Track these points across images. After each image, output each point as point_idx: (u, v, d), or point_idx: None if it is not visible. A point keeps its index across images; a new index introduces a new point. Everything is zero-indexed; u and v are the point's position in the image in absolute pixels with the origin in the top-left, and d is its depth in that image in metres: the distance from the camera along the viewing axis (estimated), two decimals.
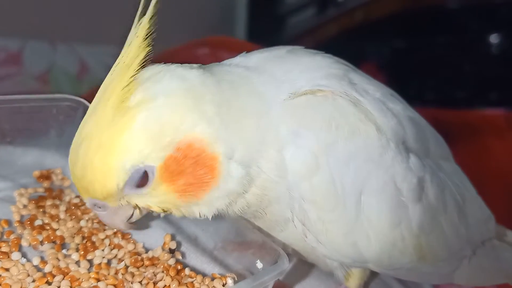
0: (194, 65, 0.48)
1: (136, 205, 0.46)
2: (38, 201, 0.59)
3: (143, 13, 0.44)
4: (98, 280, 0.48)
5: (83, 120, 0.45)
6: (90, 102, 0.61)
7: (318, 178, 0.47)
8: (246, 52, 0.54)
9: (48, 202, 0.59)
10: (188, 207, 0.46)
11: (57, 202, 0.59)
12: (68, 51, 1.63)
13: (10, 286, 0.46)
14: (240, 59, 0.52)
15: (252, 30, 2.04)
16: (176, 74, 0.45)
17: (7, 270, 0.48)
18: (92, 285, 0.48)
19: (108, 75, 0.45)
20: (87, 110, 0.61)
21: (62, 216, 0.57)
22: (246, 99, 0.47)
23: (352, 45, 1.73)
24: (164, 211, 0.47)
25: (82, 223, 0.56)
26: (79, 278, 0.48)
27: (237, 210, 0.48)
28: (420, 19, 1.69)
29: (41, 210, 0.57)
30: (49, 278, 0.48)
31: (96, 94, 0.45)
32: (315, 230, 0.49)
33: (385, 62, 1.74)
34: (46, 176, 0.63)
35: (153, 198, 0.45)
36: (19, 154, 0.65)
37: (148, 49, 0.43)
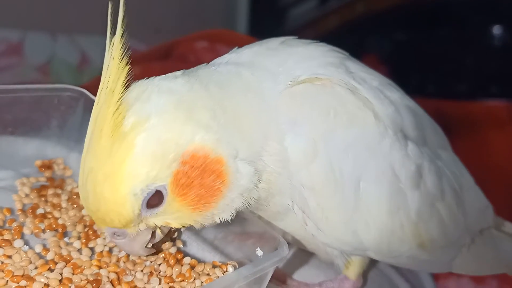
0: (178, 73, 0.47)
1: (155, 225, 0.46)
2: (40, 190, 0.59)
3: (113, 33, 0.43)
4: (100, 267, 0.49)
5: (82, 154, 0.44)
6: (91, 92, 0.62)
7: (317, 165, 0.47)
8: (238, 48, 0.53)
9: (50, 191, 0.59)
10: (205, 218, 0.46)
11: (59, 191, 0.59)
12: (68, 42, 1.62)
13: (13, 272, 0.46)
14: (232, 56, 0.52)
15: (253, 22, 2.04)
16: (162, 88, 0.44)
17: (9, 257, 0.48)
18: (94, 273, 0.48)
19: (94, 104, 0.43)
20: (88, 100, 0.62)
21: (64, 205, 0.57)
22: (239, 97, 0.47)
23: (353, 38, 1.72)
24: (184, 226, 0.47)
25: (84, 212, 0.57)
26: (81, 266, 0.49)
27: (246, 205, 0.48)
28: (421, 12, 1.69)
29: (43, 199, 0.58)
30: (51, 265, 0.48)
31: (88, 126, 0.44)
32: (315, 218, 0.49)
33: (386, 54, 1.73)
34: (47, 166, 0.63)
35: (170, 215, 0.45)
36: (21, 144, 0.65)
37: (127, 68, 0.42)
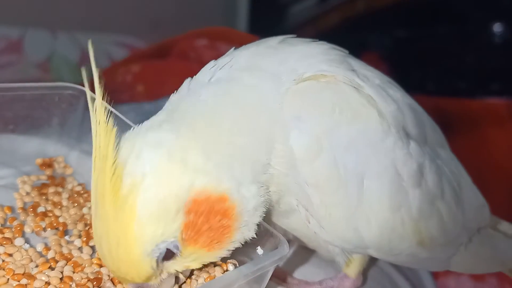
0: (161, 116, 0.46)
1: (177, 271, 0.46)
2: (41, 188, 0.59)
3: (93, 99, 0.42)
4: (100, 266, 0.49)
5: (92, 218, 0.44)
6: (91, 90, 0.62)
7: (321, 161, 0.47)
8: (234, 49, 0.53)
9: (51, 190, 0.59)
10: (223, 252, 0.46)
11: (60, 189, 0.60)
12: (68, 39, 1.62)
13: (14, 271, 0.46)
14: (225, 61, 0.51)
15: (254, 19, 2.03)
16: (150, 142, 0.43)
17: (10, 255, 0.49)
18: (94, 271, 0.48)
19: (92, 171, 0.43)
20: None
21: (64, 203, 0.58)
22: (231, 122, 0.46)
23: (354, 35, 1.72)
24: (206, 264, 0.47)
25: (85, 210, 0.57)
26: (82, 264, 0.49)
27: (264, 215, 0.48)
28: (422, 9, 1.68)
29: (44, 197, 0.58)
30: (52, 263, 0.48)
31: (91, 193, 0.44)
32: (318, 215, 0.49)
33: (387, 52, 1.73)
34: (48, 164, 0.63)
35: (188, 259, 0.45)
36: (22, 142, 0.65)
37: (114, 130, 0.42)
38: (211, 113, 0.46)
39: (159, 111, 0.48)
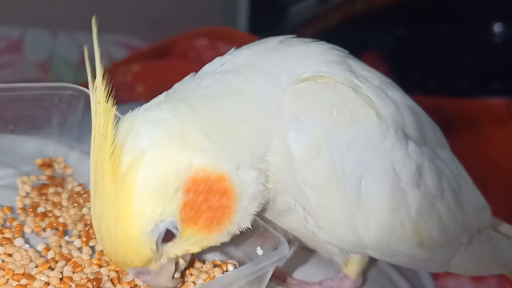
0: (161, 97, 0.46)
1: (176, 255, 0.46)
2: (40, 188, 0.59)
3: (94, 77, 0.42)
4: (100, 266, 0.49)
5: (91, 200, 0.44)
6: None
7: (319, 162, 0.47)
8: (235, 49, 0.53)
9: (51, 190, 0.59)
10: (223, 236, 0.46)
11: (60, 189, 0.60)
12: (68, 39, 1.62)
13: (13, 271, 0.46)
14: (226, 59, 0.51)
15: (254, 19, 2.03)
16: (149, 120, 0.43)
17: (10, 255, 0.48)
18: (94, 271, 0.48)
19: (91, 151, 0.43)
20: (89, 99, 0.62)
21: (64, 203, 0.58)
22: (230, 107, 0.46)
23: (354, 35, 1.72)
24: (205, 248, 0.46)
25: (85, 210, 0.57)
26: (82, 264, 0.49)
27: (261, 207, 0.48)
28: (422, 8, 1.68)
29: (44, 197, 0.58)
30: (51, 264, 0.48)
31: (91, 174, 0.44)
32: (316, 215, 0.49)
33: (387, 51, 1.73)
34: (48, 164, 0.63)
35: (187, 242, 0.45)
36: (22, 142, 0.65)
37: (114, 109, 0.42)
38: (211, 97, 0.46)
39: (159, 95, 0.48)
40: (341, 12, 1.82)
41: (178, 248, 0.45)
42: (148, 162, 0.41)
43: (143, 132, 0.42)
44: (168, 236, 0.43)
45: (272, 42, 0.53)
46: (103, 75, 0.42)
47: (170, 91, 0.48)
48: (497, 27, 1.61)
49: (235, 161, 0.44)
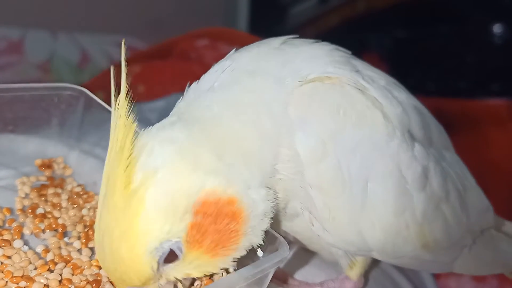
0: (172, 118, 0.46)
1: (176, 278, 0.45)
2: (40, 189, 0.59)
3: (118, 92, 0.43)
4: (99, 268, 0.48)
5: (97, 211, 0.44)
6: (91, 91, 0.61)
7: (325, 164, 0.47)
8: (235, 51, 0.52)
9: (50, 191, 0.59)
10: (227, 260, 0.45)
11: (59, 190, 0.59)
12: (69, 40, 1.62)
13: (12, 273, 0.46)
14: (226, 64, 0.50)
15: (254, 20, 2.03)
16: (163, 139, 0.43)
17: (9, 257, 0.48)
18: (93, 273, 0.48)
19: (106, 161, 0.43)
20: (88, 99, 0.62)
21: (64, 204, 0.57)
22: (238, 125, 0.46)
23: (354, 35, 1.72)
24: (207, 274, 0.45)
25: (84, 211, 0.57)
26: (81, 266, 0.49)
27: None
28: (422, 9, 1.68)
29: (43, 198, 0.58)
30: (51, 265, 0.48)
31: (102, 182, 0.44)
32: (322, 218, 0.49)
33: (387, 52, 1.73)
34: (47, 165, 0.63)
35: (189, 265, 0.44)
36: (21, 142, 0.65)
37: (134, 125, 0.42)
38: (217, 119, 0.46)
39: (169, 116, 0.48)
40: (341, 13, 1.82)
41: (179, 271, 0.44)
42: (160, 180, 0.41)
43: (157, 150, 0.42)
44: (171, 257, 0.43)
45: (274, 42, 0.53)
46: (127, 93, 0.42)
47: (178, 111, 0.48)
48: (497, 28, 1.61)
49: (246, 182, 0.44)
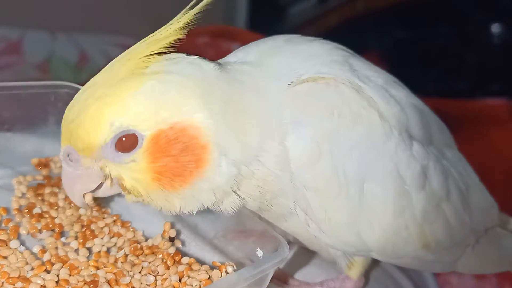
0: (212, 61, 0.48)
1: (109, 175, 0.45)
2: (36, 189, 0.58)
3: (192, 7, 0.45)
4: (97, 268, 0.48)
5: (101, 71, 0.46)
6: None
7: (321, 165, 0.46)
8: (245, 46, 0.53)
9: (47, 190, 0.58)
10: (159, 196, 0.45)
11: (56, 190, 0.59)
12: (67, 40, 1.62)
13: (9, 274, 0.45)
14: (241, 54, 0.52)
15: (253, 19, 2.03)
16: (195, 62, 0.46)
17: (5, 258, 0.48)
18: (91, 273, 0.47)
19: (138, 42, 0.46)
20: None
21: (61, 204, 0.57)
22: (250, 100, 0.47)
23: (354, 35, 1.72)
24: (135, 195, 0.46)
25: (81, 211, 0.56)
26: (78, 266, 0.48)
27: (235, 206, 0.48)
28: (421, 9, 1.68)
29: (40, 198, 0.57)
30: (48, 266, 0.47)
31: (120, 54, 0.46)
32: (318, 219, 0.48)
33: (387, 52, 1.73)
34: (44, 164, 0.62)
35: (129, 172, 0.44)
36: (18, 141, 0.64)
37: (180, 36, 0.45)
38: (245, 83, 0.47)
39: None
40: (340, 13, 1.82)
41: (117, 169, 0.45)
42: (168, 81, 0.43)
43: (182, 64, 0.45)
44: (125, 145, 0.43)
45: (278, 41, 0.53)
46: (198, 13, 0.45)
47: (220, 61, 0.50)
48: (496, 28, 1.61)
49: (226, 147, 0.44)
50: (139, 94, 0.43)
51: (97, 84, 0.44)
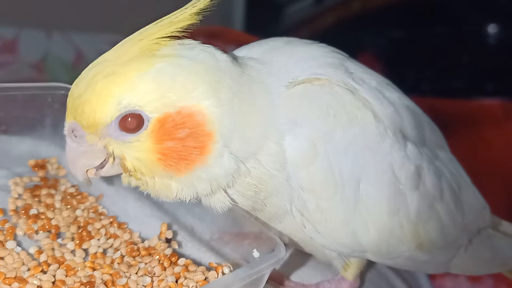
0: (225, 52, 0.48)
1: (112, 153, 0.45)
2: (33, 190, 0.58)
3: None
4: (93, 269, 0.48)
5: (111, 49, 0.45)
6: None
7: (316, 166, 0.47)
8: (246, 46, 0.54)
9: (44, 191, 0.58)
10: (164, 179, 0.45)
11: (53, 191, 0.59)
12: (63, 39, 1.62)
13: (5, 274, 0.45)
14: (245, 51, 0.52)
15: (250, 19, 2.03)
16: (208, 50, 0.46)
17: (2, 258, 0.48)
18: (87, 274, 0.47)
19: (153, 23, 0.45)
20: None
21: (57, 205, 0.57)
22: (257, 94, 0.47)
23: (350, 35, 1.72)
24: (135, 177, 0.46)
25: (78, 212, 0.56)
26: (75, 267, 0.48)
27: (223, 205, 0.48)
28: (418, 9, 1.68)
29: (36, 199, 0.57)
30: (44, 267, 0.47)
31: (134, 33, 0.46)
32: (314, 220, 0.48)
33: (383, 52, 1.73)
34: (41, 165, 0.62)
35: (133, 151, 0.44)
36: (14, 142, 0.64)
37: (194, 21, 0.44)
38: (253, 77, 0.47)
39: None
40: (336, 13, 1.82)
41: (121, 148, 0.45)
42: (179, 65, 0.43)
43: (196, 50, 0.45)
44: (129, 125, 0.43)
45: (278, 42, 0.54)
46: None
47: (233, 53, 0.50)
48: (492, 28, 1.61)
49: (229, 139, 0.45)
50: (148, 75, 0.43)
51: (106, 61, 0.44)
